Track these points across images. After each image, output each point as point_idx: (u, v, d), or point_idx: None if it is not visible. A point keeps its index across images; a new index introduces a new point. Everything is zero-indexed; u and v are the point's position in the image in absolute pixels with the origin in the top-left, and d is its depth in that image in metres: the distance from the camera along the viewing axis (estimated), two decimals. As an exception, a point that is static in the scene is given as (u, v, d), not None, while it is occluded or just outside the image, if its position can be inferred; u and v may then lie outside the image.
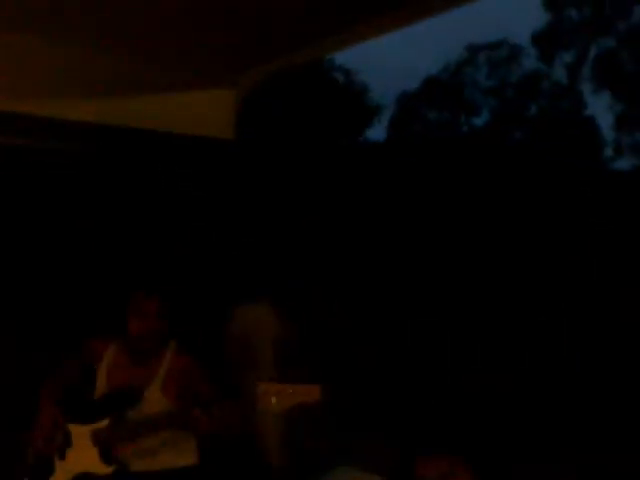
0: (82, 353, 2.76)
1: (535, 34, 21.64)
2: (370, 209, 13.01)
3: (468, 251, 11.49)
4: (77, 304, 4.80)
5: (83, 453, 2.47)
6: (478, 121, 23.26)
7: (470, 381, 7.25)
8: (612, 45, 20.65)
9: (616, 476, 4.34)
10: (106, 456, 2.46)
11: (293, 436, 3.92)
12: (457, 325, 9.20)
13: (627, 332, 8.15)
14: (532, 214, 11.91)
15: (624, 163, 21.01)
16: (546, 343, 8.55)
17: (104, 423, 2.49)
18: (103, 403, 2.58)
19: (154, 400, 2.55)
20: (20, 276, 5.06)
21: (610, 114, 21.26)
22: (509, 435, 5.31)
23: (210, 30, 2.69)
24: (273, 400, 2.22)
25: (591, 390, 6.85)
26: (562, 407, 6.37)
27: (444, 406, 6.28)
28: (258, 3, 2.41)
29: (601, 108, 23.92)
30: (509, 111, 22.40)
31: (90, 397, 2.65)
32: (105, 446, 2.47)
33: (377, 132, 24.67)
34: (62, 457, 2.48)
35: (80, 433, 2.50)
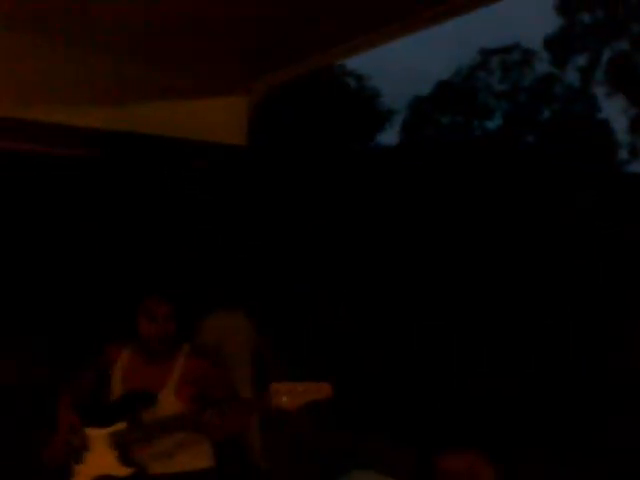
0: (97, 358, 2.80)
1: (548, 38, 21.56)
2: (381, 213, 13.01)
3: (479, 255, 11.46)
4: (90, 309, 4.85)
5: (101, 456, 2.50)
6: (491, 125, 23.20)
7: (475, 381, 7.25)
8: (626, 48, 20.52)
9: (622, 477, 4.33)
10: (124, 458, 2.49)
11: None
12: (462, 327, 9.20)
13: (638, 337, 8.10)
14: (546, 218, 11.84)
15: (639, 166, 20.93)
16: (555, 345, 8.51)
17: (121, 426, 2.52)
18: (119, 406, 2.61)
19: (168, 403, 2.58)
20: (33, 282, 5.12)
21: (624, 117, 21.13)
22: (518, 433, 5.30)
23: (223, 37, 2.70)
24: (284, 399, 2.24)
25: (597, 391, 6.82)
26: (568, 407, 6.35)
27: (454, 405, 6.27)
28: (270, 10, 2.43)
29: (615, 111, 23.73)
30: (522, 115, 22.31)
31: (106, 401, 2.67)
32: (123, 449, 2.49)
33: (389, 137, 24.64)
34: (80, 461, 2.51)
35: (97, 436, 2.52)
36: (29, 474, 2.61)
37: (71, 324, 4.75)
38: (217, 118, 3.19)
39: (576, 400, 6.61)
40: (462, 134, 22.37)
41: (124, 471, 2.48)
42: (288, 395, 2.25)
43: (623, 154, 21.21)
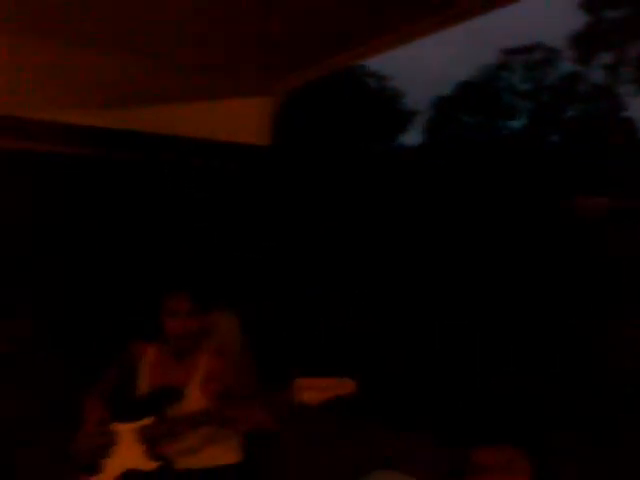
0: (124, 355, 2.85)
1: (572, 36, 21.32)
2: (402, 213, 12.98)
3: (500, 253, 11.39)
4: (115, 306, 4.91)
5: (129, 450, 2.54)
6: (515, 125, 23.00)
7: (493, 376, 7.23)
8: (652, 45, 20.22)
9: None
10: (151, 453, 2.53)
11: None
12: (478, 323, 9.16)
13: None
14: (571, 218, 11.73)
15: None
16: (577, 339, 8.46)
17: (148, 421, 2.56)
18: (146, 402, 2.65)
19: (194, 399, 2.61)
20: (57, 282, 5.20)
21: (651, 115, 20.81)
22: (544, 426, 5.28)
23: (246, 39, 2.74)
24: (308, 394, 2.26)
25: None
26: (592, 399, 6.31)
27: (475, 401, 6.26)
28: (294, 11, 2.45)
29: (641, 109, 23.41)
30: (546, 114, 22.09)
31: (133, 396, 2.72)
32: (150, 443, 2.53)
33: (412, 137, 24.55)
34: (109, 455, 2.56)
35: (125, 431, 2.57)
36: (64, 469, 2.66)
37: (102, 321, 4.82)
38: (241, 119, 3.22)
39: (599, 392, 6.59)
40: (485, 134, 22.20)
41: (151, 465, 2.52)
42: (311, 390, 2.27)
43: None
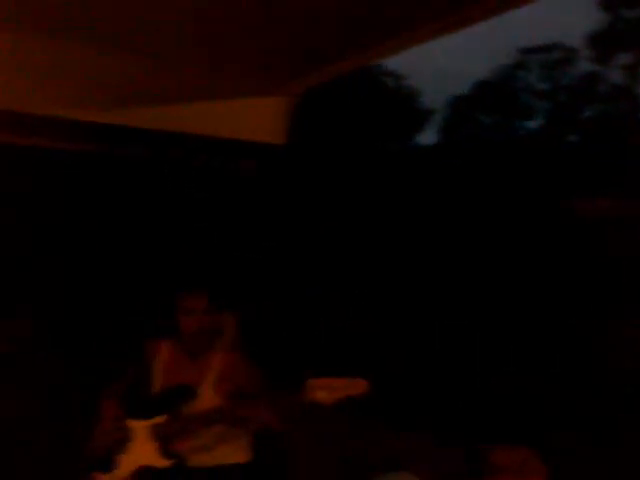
0: (139, 353, 2.87)
1: (591, 35, 21.10)
2: (417, 213, 12.94)
3: (512, 253, 11.35)
4: (130, 304, 4.93)
5: (143, 447, 2.56)
6: (531, 125, 22.84)
7: (496, 375, 7.23)
8: (673, 44, 19.97)
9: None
10: (164, 450, 2.54)
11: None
12: (479, 324, 9.15)
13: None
14: (588, 220, 11.64)
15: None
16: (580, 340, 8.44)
17: (161, 419, 2.58)
18: (160, 400, 2.67)
19: (207, 397, 2.63)
20: (57, 282, 5.23)
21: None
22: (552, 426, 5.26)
23: (262, 37, 2.74)
24: (320, 393, 2.26)
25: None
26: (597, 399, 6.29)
27: (476, 401, 6.26)
28: (310, 11, 2.45)
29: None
30: (563, 114, 21.91)
31: (147, 394, 2.74)
32: (163, 441, 2.55)
33: (429, 137, 24.49)
34: (124, 451, 2.58)
35: (139, 428, 2.59)
36: (80, 464, 2.69)
37: (117, 320, 4.85)
38: (257, 118, 3.23)
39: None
40: (502, 134, 22.07)
41: (164, 463, 2.54)
42: (324, 390, 2.27)
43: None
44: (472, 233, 12.49)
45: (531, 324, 9.20)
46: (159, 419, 2.57)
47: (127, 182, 5.39)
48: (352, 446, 4.70)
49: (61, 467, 3.58)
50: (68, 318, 5.06)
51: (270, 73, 3.16)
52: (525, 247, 11.66)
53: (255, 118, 3.22)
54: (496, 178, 15.16)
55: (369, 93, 18.97)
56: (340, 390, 2.28)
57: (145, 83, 3.01)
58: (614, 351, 8.11)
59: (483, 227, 12.61)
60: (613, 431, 5.49)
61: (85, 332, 5.02)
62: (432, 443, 4.60)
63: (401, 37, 2.62)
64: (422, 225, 12.91)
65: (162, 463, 2.54)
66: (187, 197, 5.46)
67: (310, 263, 10.15)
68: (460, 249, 12.04)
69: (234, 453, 2.69)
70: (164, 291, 2.91)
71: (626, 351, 7.96)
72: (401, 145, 20.61)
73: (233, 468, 2.67)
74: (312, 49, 2.82)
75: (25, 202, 5.01)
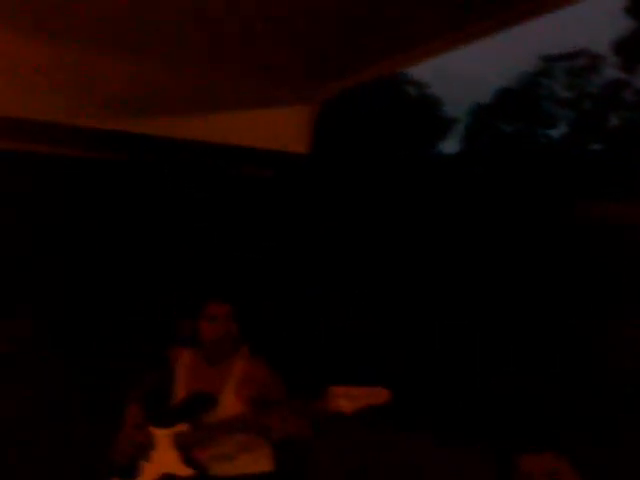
0: (161, 360, 2.88)
1: (617, 42, 20.87)
2: (437, 220, 12.92)
3: (526, 263, 11.31)
4: (154, 311, 4.97)
5: (165, 455, 2.56)
6: (555, 133, 22.65)
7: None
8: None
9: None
10: (186, 459, 2.55)
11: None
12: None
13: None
14: (612, 229, 11.53)
15: None
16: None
17: (183, 427, 2.58)
18: (181, 408, 2.67)
19: (229, 405, 2.62)
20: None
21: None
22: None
23: (286, 46, 2.74)
24: (343, 402, 2.25)
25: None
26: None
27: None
28: (333, 19, 2.45)
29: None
30: (588, 123, 21.69)
31: (169, 402, 2.74)
32: (185, 449, 2.55)
33: (452, 145, 24.39)
34: (146, 459, 2.59)
35: (162, 436, 2.59)
36: (103, 470, 2.70)
37: (140, 328, 4.88)
38: (280, 126, 3.23)
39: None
40: (525, 142, 21.91)
41: (186, 471, 2.54)
42: (346, 398, 2.26)
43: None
44: (491, 239, 12.46)
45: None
46: (181, 427, 2.58)
47: (147, 189, 5.44)
48: (372, 456, 4.68)
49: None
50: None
51: (293, 81, 3.16)
52: (543, 254, 11.61)
53: (279, 127, 3.22)
54: (518, 186, 15.05)
55: (392, 102, 18.97)
56: (361, 399, 2.27)
57: (166, 91, 3.02)
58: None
59: (502, 234, 12.57)
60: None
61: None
62: (453, 451, 4.57)
63: (424, 46, 2.60)
64: (443, 232, 12.88)
65: (184, 472, 2.54)
66: (205, 205, 5.50)
67: (331, 270, 10.17)
68: (480, 255, 12.03)
69: (256, 462, 2.68)
70: (188, 298, 2.91)
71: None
72: (424, 154, 20.55)
73: (255, 477, 2.66)
74: (336, 57, 2.82)
75: (32, 206, 5.08)
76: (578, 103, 22.57)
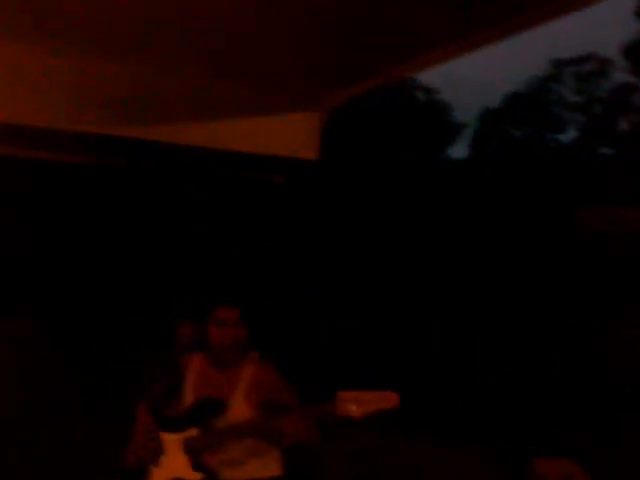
0: (171, 366, 2.88)
1: (626, 45, 20.77)
2: (445, 225, 12.91)
3: (533, 267, 11.28)
4: (154, 312, 4.99)
5: (175, 460, 2.57)
6: (564, 138, 22.56)
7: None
8: None
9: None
10: (196, 464, 2.55)
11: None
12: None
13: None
14: (622, 234, 11.47)
15: None
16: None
17: (192, 432, 2.59)
18: (191, 413, 2.67)
19: (238, 410, 2.62)
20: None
21: None
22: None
23: (295, 54, 2.76)
24: (352, 407, 2.24)
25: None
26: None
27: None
28: (342, 26, 2.46)
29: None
30: (598, 127, 21.59)
31: (179, 407, 2.75)
32: (194, 454, 2.56)
33: (461, 150, 24.34)
34: (156, 463, 2.60)
35: (171, 441, 2.60)
36: (112, 475, 2.71)
37: (150, 332, 4.90)
38: (289, 133, 3.24)
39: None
40: (534, 147, 21.83)
41: (195, 476, 2.54)
42: (355, 403, 2.25)
43: None
44: (497, 243, 12.44)
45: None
46: (191, 432, 2.58)
47: (159, 194, 5.47)
48: (381, 460, 4.67)
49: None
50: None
51: (302, 89, 3.18)
52: (550, 257, 11.59)
53: (289, 134, 3.24)
54: (527, 191, 15.00)
55: (400, 107, 18.96)
56: (371, 404, 2.26)
57: (178, 100, 3.05)
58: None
59: (508, 237, 12.55)
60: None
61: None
62: (457, 453, 4.56)
63: (432, 52, 2.61)
64: (451, 235, 12.88)
65: (194, 476, 2.54)
66: (215, 210, 5.52)
67: (338, 273, 10.19)
68: (485, 257, 12.02)
69: (265, 467, 2.68)
70: (197, 303, 2.92)
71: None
72: (432, 159, 20.52)
73: (264, 482, 2.67)
74: (344, 64, 2.84)
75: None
76: (587, 107, 22.48)
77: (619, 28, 21.95)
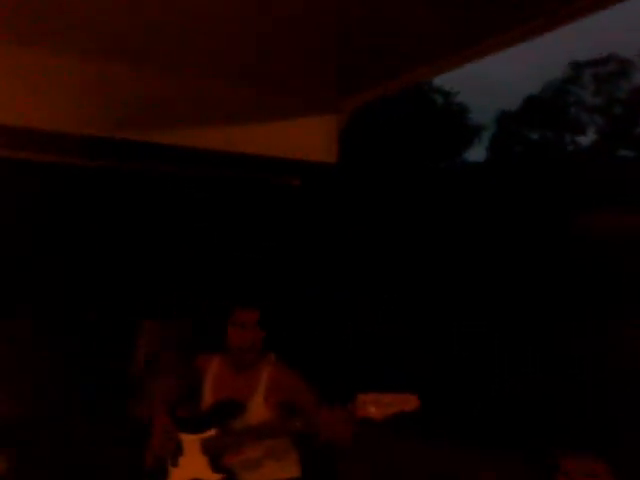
0: (191, 367, 2.91)
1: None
2: (464, 228, 12.86)
3: (551, 267, 11.22)
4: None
5: (194, 461, 2.59)
6: (584, 140, 22.37)
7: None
8: None
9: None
10: (215, 465, 2.57)
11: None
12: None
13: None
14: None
15: None
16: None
17: (211, 433, 2.60)
18: (210, 414, 2.69)
19: (257, 411, 2.64)
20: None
21: None
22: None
23: (313, 57, 2.77)
24: (372, 409, 2.24)
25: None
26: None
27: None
28: (362, 29, 2.47)
29: None
30: (618, 129, 21.39)
31: (198, 408, 2.77)
32: (213, 455, 2.58)
33: (479, 153, 24.26)
34: (175, 464, 2.62)
35: (190, 442, 2.62)
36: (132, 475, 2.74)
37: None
38: (308, 136, 3.24)
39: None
40: (552, 150, 21.68)
41: (214, 477, 2.56)
42: (375, 405, 2.24)
43: None
44: (516, 246, 12.39)
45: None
46: (209, 433, 2.60)
47: (184, 200, 5.52)
48: (401, 463, 4.65)
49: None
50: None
51: (321, 91, 3.18)
52: (569, 261, 11.53)
53: (307, 137, 3.24)
54: (545, 193, 14.91)
55: (418, 110, 18.93)
56: (391, 405, 2.25)
57: (195, 103, 3.05)
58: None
59: (527, 241, 12.49)
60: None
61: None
62: (484, 456, 4.53)
63: (451, 56, 2.61)
64: (469, 238, 12.84)
65: (212, 477, 2.56)
66: (233, 214, 5.55)
67: (358, 276, 10.21)
68: (504, 259, 11.98)
69: (284, 468, 2.69)
70: (217, 305, 2.94)
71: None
72: (450, 162, 20.46)
73: (282, 484, 2.68)
74: (363, 68, 2.84)
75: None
76: (607, 109, 22.28)
77: (639, 29, 21.70)
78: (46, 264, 5.39)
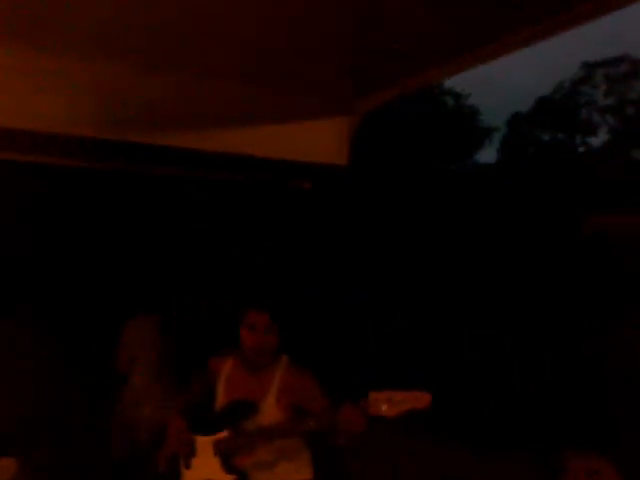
0: (204, 370, 2.92)
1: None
2: (475, 229, 12.83)
3: (561, 269, 11.17)
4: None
5: (206, 462, 2.60)
6: (595, 141, 22.26)
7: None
8: None
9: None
10: (227, 466, 2.58)
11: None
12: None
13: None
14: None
15: None
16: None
17: (224, 434, 2.61)
18: (222, 415, 2.70)
19: (269, 413, 2.64)
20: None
21: None
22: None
23: (324, 59, 2.77)
24: (384, 407, 2.23)
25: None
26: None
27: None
28: (373, 31, 2.47)
29: None
30: (630, 129, 21.26)
31: (211, 410, 2.78)
32: (226, 456, 2.59)
33: (489, 155, 24.21)
34: (188, 465, 2.63)
35: (203, 443, 2.63)
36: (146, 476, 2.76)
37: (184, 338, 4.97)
38: (319, 138, 3.24)
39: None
40: (564, 151, 21.58)
41: (227, 478, 2.57)
42: (387, 403, 2.23)
43: None
44: (529, 247, 12.36)
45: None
46: (222, 434, 2.61)
47: (197, 204, 5.54)
48: (412, 462, 4.64)
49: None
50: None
51: (333, 94, 3.18)
52: (582, 264, 11.48)
53: (318, 139, 3.24)
54: (556, 195, 14.85)
55: (429, 112, 18.92)
56: (403, 403, 2.24)
57: (204, 105, 3.05)
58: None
59: (540, 242, 12.45)
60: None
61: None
62: (492, 456, 4.52)
63: (464, 57, 2.60)
64: (482, 239, 12.82)
65: (225, 478, 2.57)
66: (245, 216, 5.57)
67: (372, 277, 10.22)
68: (517, 260, 11.95)
69: (296, 470, 2.70)
70: (230, 307, 2.95)
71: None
72: (461, 163, 20.42)
73: (295, 485, 2.68)
74: (375, 70, 2.84)
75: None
76: (619, 110, 22.15)
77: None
78: (46, 265, 5.43)
